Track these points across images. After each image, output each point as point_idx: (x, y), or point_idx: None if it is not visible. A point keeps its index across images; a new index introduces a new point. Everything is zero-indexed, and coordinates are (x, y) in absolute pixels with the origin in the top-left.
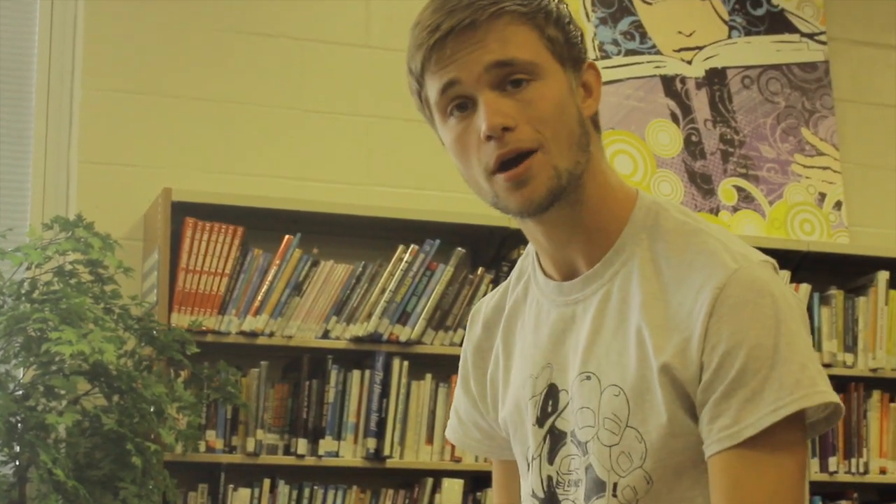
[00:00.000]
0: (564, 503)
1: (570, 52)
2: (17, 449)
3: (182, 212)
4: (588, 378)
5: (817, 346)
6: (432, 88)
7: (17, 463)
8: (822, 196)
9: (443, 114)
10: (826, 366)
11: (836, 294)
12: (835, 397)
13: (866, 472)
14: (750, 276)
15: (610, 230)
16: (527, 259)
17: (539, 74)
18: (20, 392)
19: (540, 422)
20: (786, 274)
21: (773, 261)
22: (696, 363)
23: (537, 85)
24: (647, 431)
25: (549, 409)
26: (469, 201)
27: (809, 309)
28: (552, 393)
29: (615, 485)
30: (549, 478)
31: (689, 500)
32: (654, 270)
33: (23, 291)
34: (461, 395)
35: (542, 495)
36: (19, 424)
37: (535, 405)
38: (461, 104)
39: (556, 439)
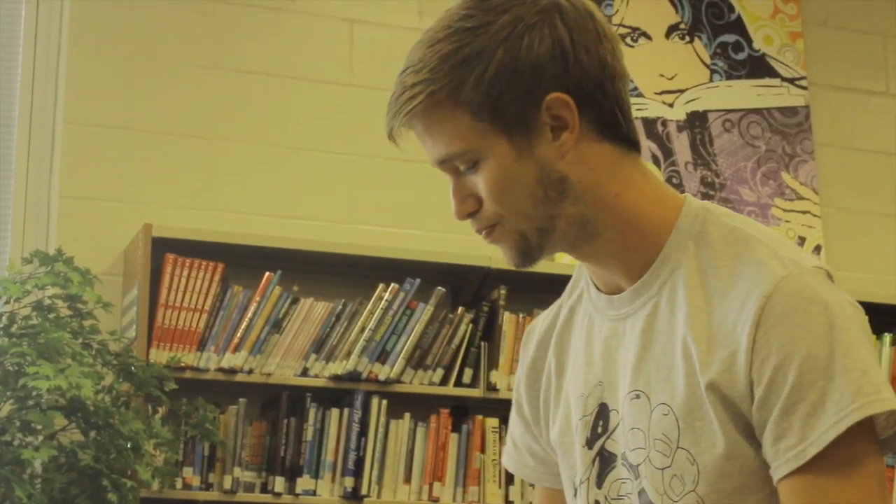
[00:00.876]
0: None
1: (512, 111)
2: None
3: (162, 247)
4: (637, 396)
5: None
6: None
7: None
8: (802, 240)
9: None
10: None
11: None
12: None
13: None
14: (799, 284)
15: (649, 244)
16: (581, 269)
17: (477, 157)
18: None
19: (590, 443)
20: None
21: (828, 267)
22: (745, 379)
23: (481, 167)
24: (699, 453)
25: (600, 429)
26: (450, 241)
27: None
28: (603, 413)
29: None
30: (597, 502)
31: None
32: (701, 280)
33: (1, 326)
34: (515, 419)
35: None
36: None
37: (586, 426)
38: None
39: (605, 462)
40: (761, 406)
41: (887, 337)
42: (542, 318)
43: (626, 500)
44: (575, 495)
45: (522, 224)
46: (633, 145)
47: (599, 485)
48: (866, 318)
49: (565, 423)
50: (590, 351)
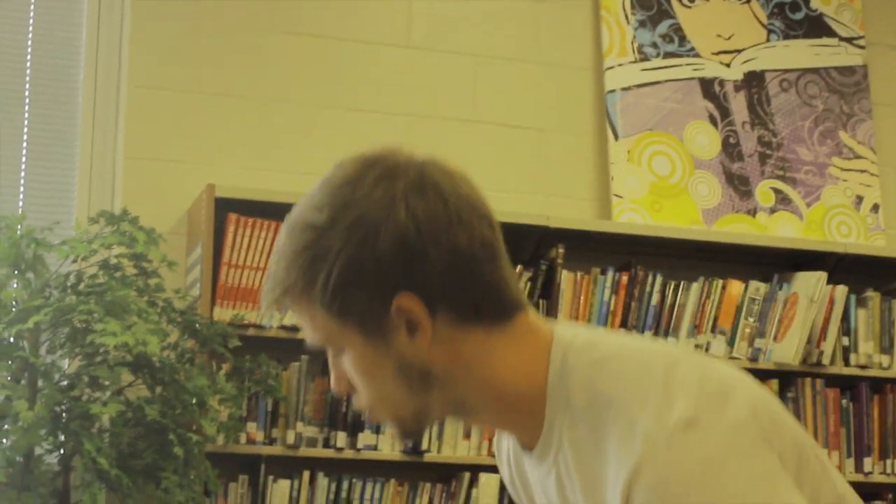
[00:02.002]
0: None
1: (360, 314)
2: (62, 438)
3: (225, 207)
4: None
5: (853, 347)
6: None
7: (62, 452)
8: (860, 199)
9: None
10: (862, 367)
11: (873, 296)
12: None
13: None
14: (654, 466)
15: (529, 414)
16: None
17: (337, 345)
18: (65, 382)
19: None
20: (821, 276)
21: (689, 413)
22: None
23: (343, 354)
24: None
25: None
26: (508, 200)
27: (846, 310)
28: None
29: None
30: None
31: None
32: (582, 456)
33: (69, 284)
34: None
35: None
36: (64, 414)
37: None
38: None
39: None
40: None
41: None
42: (505, 440)
43: None
44: None
45: (395, 411)
46: (505, 317)
47: None
48: (748, 431)
49: None
50: (546, 494)
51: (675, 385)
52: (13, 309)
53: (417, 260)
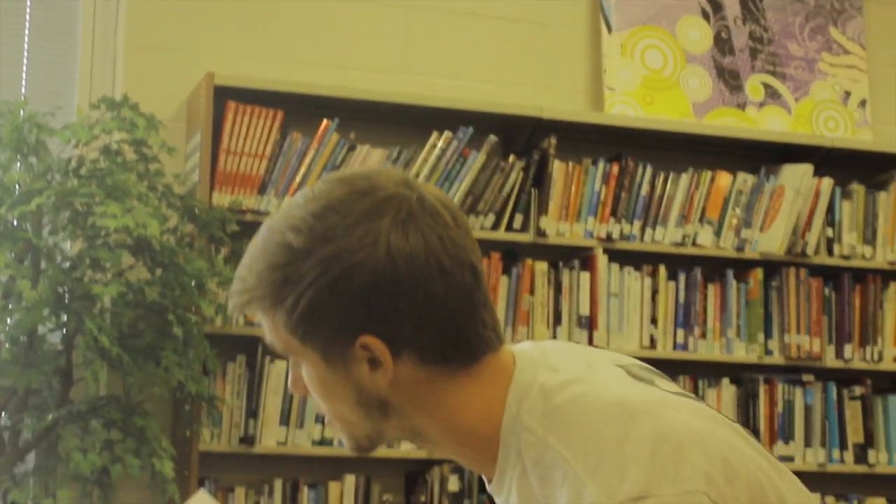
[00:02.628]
0: None
1: (323, 343)
2: (65, 318)
3: (224, 95)
4: None
5: (837, 238)
6: None
7: (65, 331)
8: (848, 94)
9: None
10: (845, 257)
11: (858, 189)
12: None
13: (880, 359)
14: None
15: (486, 454)
16: None
17: (296, 359)
18: (67, 264)
19: None
20: (807, 169)
21: (639, 489)
22: None
23: (302, 367)
24: None
25: None
26: (502, 91)
27: (831, 203)
28: None
29: None
30: None
31: None
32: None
33: (70, 168)
34: None
35: None
36: (66, 294)
37: None
38: None
39: None
40: None
41: None
42: None
43: None
44: None
45: (350, 430)
46: (474, 360)
47: None
48: (707, 499)
49: None
50: None
51: (627, 452)
52: (16, 192)
53: (390, 307)
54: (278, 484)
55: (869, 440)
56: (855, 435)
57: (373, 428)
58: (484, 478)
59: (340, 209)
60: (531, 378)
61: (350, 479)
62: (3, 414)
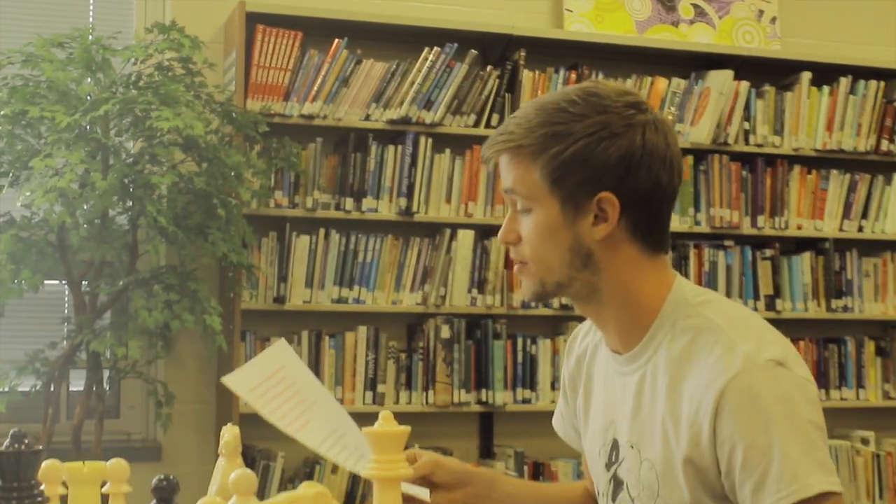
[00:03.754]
0: None
1: (571, 189)
2: (130, 203)
3: (254, 20)
4: (632, 447)
5: (753, 130)
6: None
7: (130, 214)
8: (761, 12)
9: None
10: (759, 146)
11: (769, 90)
12: (828, 486)
13: (786, 227)
14: (747, 383)
15: (641, 322)
16: None
17: (532, 204)
18: (130, 159)
19: (608, 466)
20: (728, 74)
21: (785, 355)
22: (711, 454)
23: (531, 213)
24: (672, 502)
25: (614, 458)
26: (481, 13)
27: (748, 101)
28: (615, 446)
29: None
30: None
31: None
32: (676, 364)
33: (130, 81)
34: (562, 401)
35: None
36: (130, 184)
37: (605, 453)
38: None
39: (617, 484)
40: (726, 475)
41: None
42: (583, 333)
43: None
44: (598, 496)
45: (545, 274)
46: (658, 250)
47: (613, 499)
48: (813, 391)
49: (592, 444)
50: (606, 390)
51: (769, 334)
52: (88, 101)
53: (632, 175)
54: (305, 334)
55: (777, 292)
56: (766, 288)
57: (567, 275)
58: (609, 356)
59: (611, 97)
60: (690, 283)
61: (362, 330)
62: (84, 281)
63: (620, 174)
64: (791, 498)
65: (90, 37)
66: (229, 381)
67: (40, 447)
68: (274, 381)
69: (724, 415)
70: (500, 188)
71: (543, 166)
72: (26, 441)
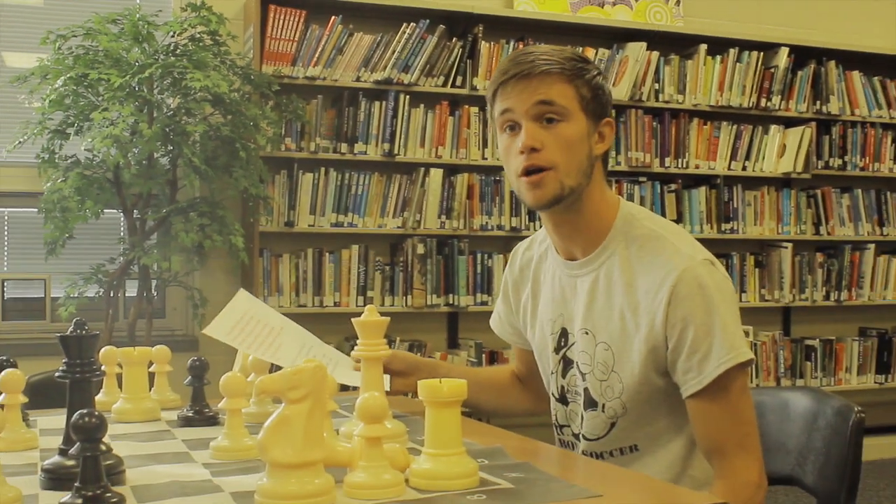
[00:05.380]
0: (572, 405)
1: (594, 109)
2: (170, 147)
3: (267, 1)
4: (586, 333)
5: (661, 90)
6: (496, 110)
7: (171, 156)
8: None
9: (500, 128)
10: (666, 102)
11: (674, 58)
12: (751, 355)
13: (687, 167)
14: (693, 275)
15: (599, 231)
16: (545, 235)
17: (567, 117)
18: (170, 112)
19: (556, 350)
20: (642, 46)
21: (711, 257)
22: (662, 335)
23: (564, 124)
24: (625, 377)
25: (562, 343)
26: None
27: (657, 68)
28: (564, 333)
29: (603, 405)
30: (562, 387)
31: (653, 416)
32: (629, 265)
33: (169, 50)
34: (502, 303)
35: (558, 397)
36: (170, 133)
37: (554, 339)
38: (511, 126)
39: (566, 363)
40: (673, 351)
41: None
42: (522, 249)
43: (577, 389)
44: (549, 381)
45: (565, 177)
46: (607, 176)
47: (563, 376)
48: (732, 288)
49: (542, 333)
50: (554, 290)
51: (696, 241)
52: (136, 66)
53: (611, 111)
54: (309, 251)
55: (679, 217)
56: (671, 215)
57: (578, 182)
58: (560, 263)
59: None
60: (628, 202)
61: (355, 248)
62: (134, 210)
63: (610, 107)
64: (730, 363)
65: (137, 15)
66: (209, 330)
67: (97, 332)
68: (243, 323)
69: (676, 302)
70: (462, 134)
71: (579, 87)
72: (86, 327)
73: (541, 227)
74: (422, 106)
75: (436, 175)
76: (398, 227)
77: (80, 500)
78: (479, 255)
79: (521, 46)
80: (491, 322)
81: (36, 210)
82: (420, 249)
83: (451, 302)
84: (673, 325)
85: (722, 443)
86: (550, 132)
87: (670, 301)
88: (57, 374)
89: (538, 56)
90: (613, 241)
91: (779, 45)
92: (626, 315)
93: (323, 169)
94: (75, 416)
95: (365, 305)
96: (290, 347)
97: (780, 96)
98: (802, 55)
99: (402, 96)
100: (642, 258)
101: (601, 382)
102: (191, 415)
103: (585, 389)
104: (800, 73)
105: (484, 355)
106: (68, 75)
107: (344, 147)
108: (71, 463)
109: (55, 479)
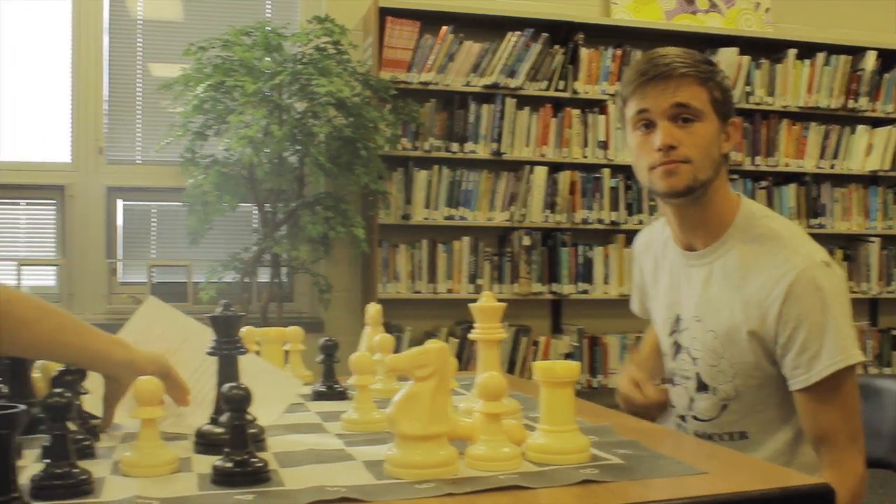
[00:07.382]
0: (680, 387)
1: (723, 110)
2: (298, 147)
3: (385, 13)
4: (698, 320)
5: (752, 92)
6: (630, 109)
7: (298, 155)
8: (758, 4)
9: (633, 126)
10: (757, 104)
11: (764, 62)
12: (861, 357)
13: (777, 165)
14: (810, 276)
15: (720, 226)
16: (665, 227)
17: (701, 118)
18: (298, 115)
19: (670, 334)
20: (734, 51)
21: (829, 258)
22: (773, 330)
23: (699, 125)
24: (736, 363)
25: (675, 328)
26: (550, 6)
27: (749, 71)
28: (677, 320)
29: (715, 388)
30: (672, 370)
31: (764, 404)
32: (745, 261)
33: (297, 59)
34: (634, 286)
35: (669, 378)
36: (298, 134)
37: (667, 323)
38: (646, 124)
39: (677, 348)
40: (783, 347)
41: None
42: (647, 232)
43: (687, 373)
44: (663, 356)
45: (699, 172)
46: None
47: (674, 359)
48: (846, 290)
49: (657, 314)
50: (671, 277)
51: (815, 242)
52: (267, 74)
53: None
54: (424, 242)
55: None
56: None
57: (709, 176)
58: (680, 253)
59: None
60: (750, 200)
61: (466, 239)
62: (266, 204)
63: (734, 108)
64: (840, 364)
65: (268, 27)
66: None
67: (242, 313)
68: (146, 334)
69: (791, 301)
70: (564, 134)
71: (712, 89)
72: (232, 308)
73: (639, 222)
74: (527, 108)
75: (540, 172)
76: (506, 221)
77: (230, 464)
78: (580, 247)
79: (619, 53)
80: (631, 305)
81: (180, 204)
82: (526, 241)
83: (554, 290)
84: (786, 323)
85: (832, 436)
86: (686, 131)
87: (786, 299)
88: (207, 350)
89: (674, 59)
90: (732, 236)
91: (866, 49)
92: (737, 307)
93: (436, 167)
94: (224, 387)
95: (475, 292)
96: (182, 369)
97: (867, 97)
98: (890, 58)
99: (508, 99)
100: (760, 255)
101: (712, 367)
102: (323, 389)
103: (697, 374)
104: (886, 75)
105: (585, 340)
106: (207, 83)
107: (455, 146)
108: (220, 430)
109: (206, 444)
